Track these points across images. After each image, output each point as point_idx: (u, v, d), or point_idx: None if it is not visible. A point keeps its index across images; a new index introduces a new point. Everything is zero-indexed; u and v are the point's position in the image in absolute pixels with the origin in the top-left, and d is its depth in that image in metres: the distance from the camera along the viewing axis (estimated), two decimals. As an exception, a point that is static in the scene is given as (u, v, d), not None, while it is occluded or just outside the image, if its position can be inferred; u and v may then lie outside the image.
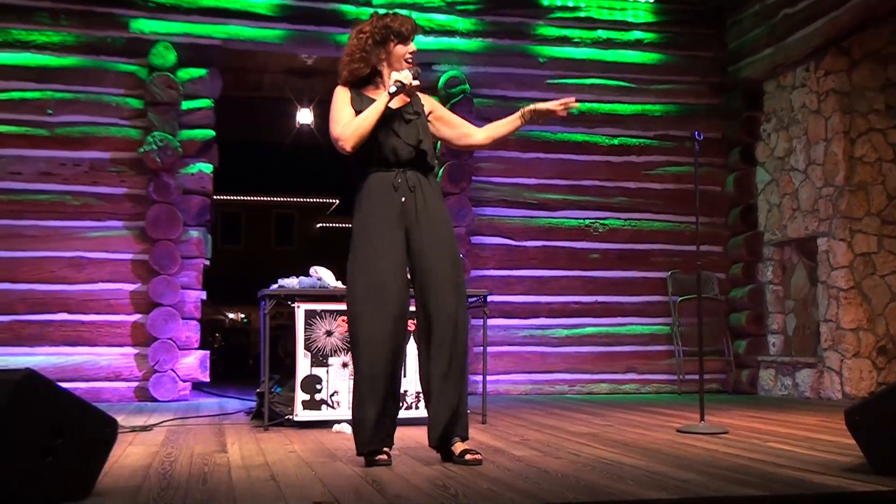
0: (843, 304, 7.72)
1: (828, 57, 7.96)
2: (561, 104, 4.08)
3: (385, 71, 4.04)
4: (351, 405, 3.98)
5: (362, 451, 3.84)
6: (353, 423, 3.91)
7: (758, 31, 8.72)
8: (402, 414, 4.63)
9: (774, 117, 8.72)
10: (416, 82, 4.01)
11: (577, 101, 4.08)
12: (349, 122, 3.91)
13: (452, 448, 3.89)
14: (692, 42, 9.26)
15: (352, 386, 4.08)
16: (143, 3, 7.96)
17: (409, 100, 4.05)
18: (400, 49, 4.02)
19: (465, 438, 3.95)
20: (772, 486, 3.29)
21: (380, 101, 3.92)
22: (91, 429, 3.12)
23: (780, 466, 3.79)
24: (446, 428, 3.85)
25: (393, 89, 3.91)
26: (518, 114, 4.11)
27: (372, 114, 3.89)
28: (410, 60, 4.05)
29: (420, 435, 4.47)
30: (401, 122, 3.98)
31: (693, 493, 3.12)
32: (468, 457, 3.82)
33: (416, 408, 5.51)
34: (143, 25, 7.99)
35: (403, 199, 3.90)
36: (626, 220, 8.98)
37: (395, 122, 3.97)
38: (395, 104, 3.97)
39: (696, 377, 5.69)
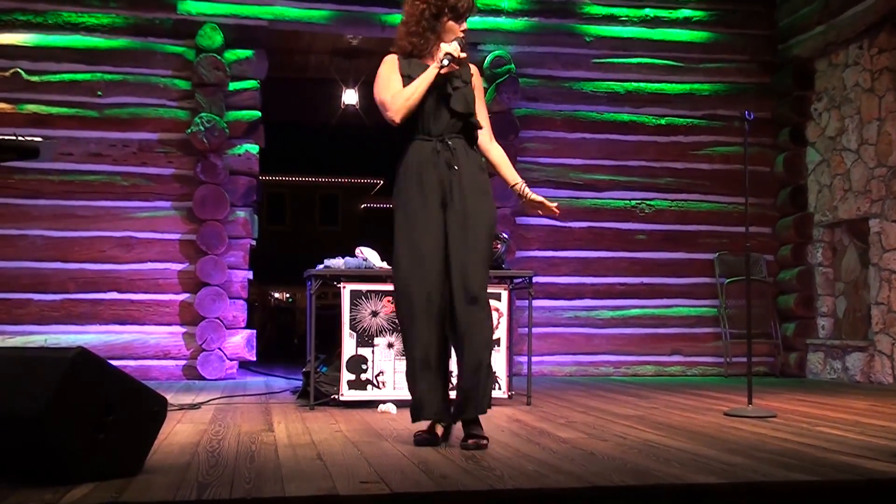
0: (895, 286, 7.60)
1: (882, 34, 7.78)
2: (550, 209, 4.14)
3: (434, 43, 4.01)
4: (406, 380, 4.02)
5: (417, 419, 3.91)
6: (412, 398, 3.95)
7: (809, 8, 8.55)
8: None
9: (826, 96, 8.56)
10: (464, 54, 3.99)
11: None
12: (399, 93, 3.90)
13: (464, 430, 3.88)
14: (742, 20, 9.10)
15: (397, 366, 4.10)
16: (190, -15, 8.04)
17: (457, 68, 4.02)
18: (452, 25, 3.99)
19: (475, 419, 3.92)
20: (822, 471, 3.25)
21: (429, 72, 3.89)
22: (141, 406, 3.16)
23: (829, 451, 3.74)
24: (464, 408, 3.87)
25: (445, 62, 3.89)
26: (517, 182, 4.12)
27: (422, 84, 3.88)
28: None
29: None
30: (449, 91, 3.95)
31: (741, 478, 3.09)
32: (471, 441, 3.79)
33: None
34: (191, 7, 8.05)
35: (448, 167, 3.88)
36: (673, 200, 8.88)
37: (444, 90, 3.95)
38: (443, 72, 3.95)
39: (744, 360, 5.63)
